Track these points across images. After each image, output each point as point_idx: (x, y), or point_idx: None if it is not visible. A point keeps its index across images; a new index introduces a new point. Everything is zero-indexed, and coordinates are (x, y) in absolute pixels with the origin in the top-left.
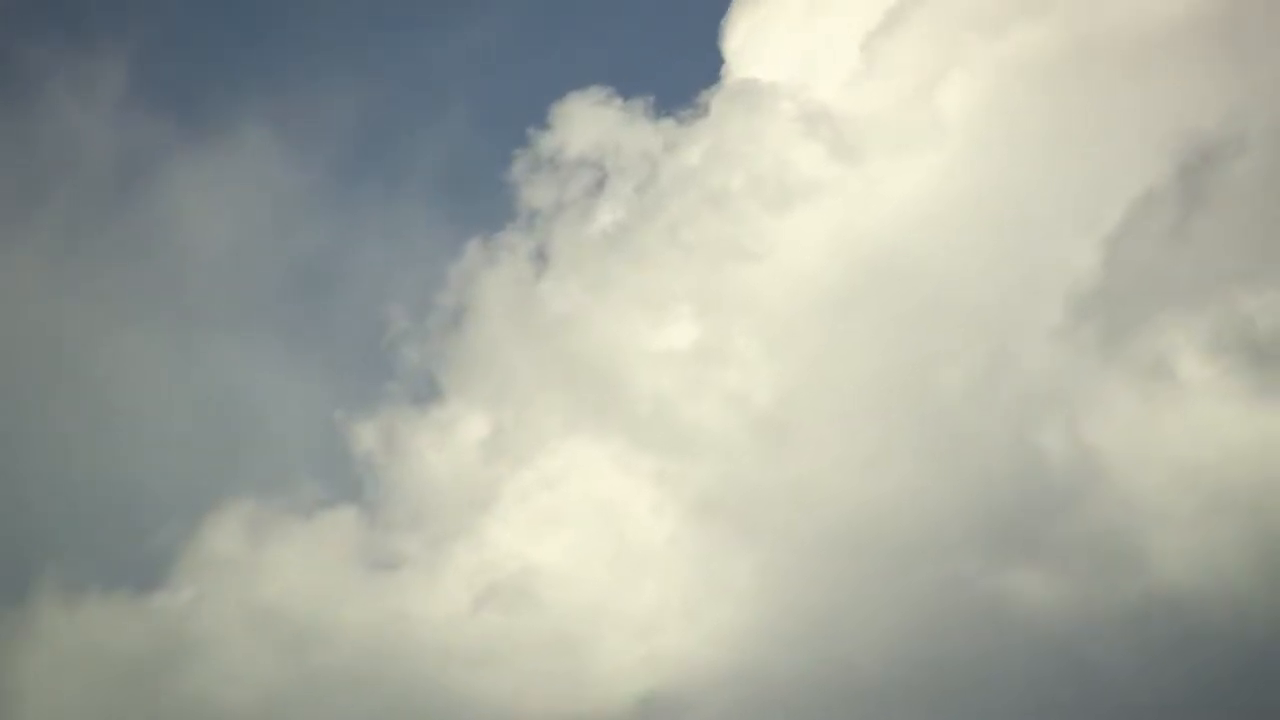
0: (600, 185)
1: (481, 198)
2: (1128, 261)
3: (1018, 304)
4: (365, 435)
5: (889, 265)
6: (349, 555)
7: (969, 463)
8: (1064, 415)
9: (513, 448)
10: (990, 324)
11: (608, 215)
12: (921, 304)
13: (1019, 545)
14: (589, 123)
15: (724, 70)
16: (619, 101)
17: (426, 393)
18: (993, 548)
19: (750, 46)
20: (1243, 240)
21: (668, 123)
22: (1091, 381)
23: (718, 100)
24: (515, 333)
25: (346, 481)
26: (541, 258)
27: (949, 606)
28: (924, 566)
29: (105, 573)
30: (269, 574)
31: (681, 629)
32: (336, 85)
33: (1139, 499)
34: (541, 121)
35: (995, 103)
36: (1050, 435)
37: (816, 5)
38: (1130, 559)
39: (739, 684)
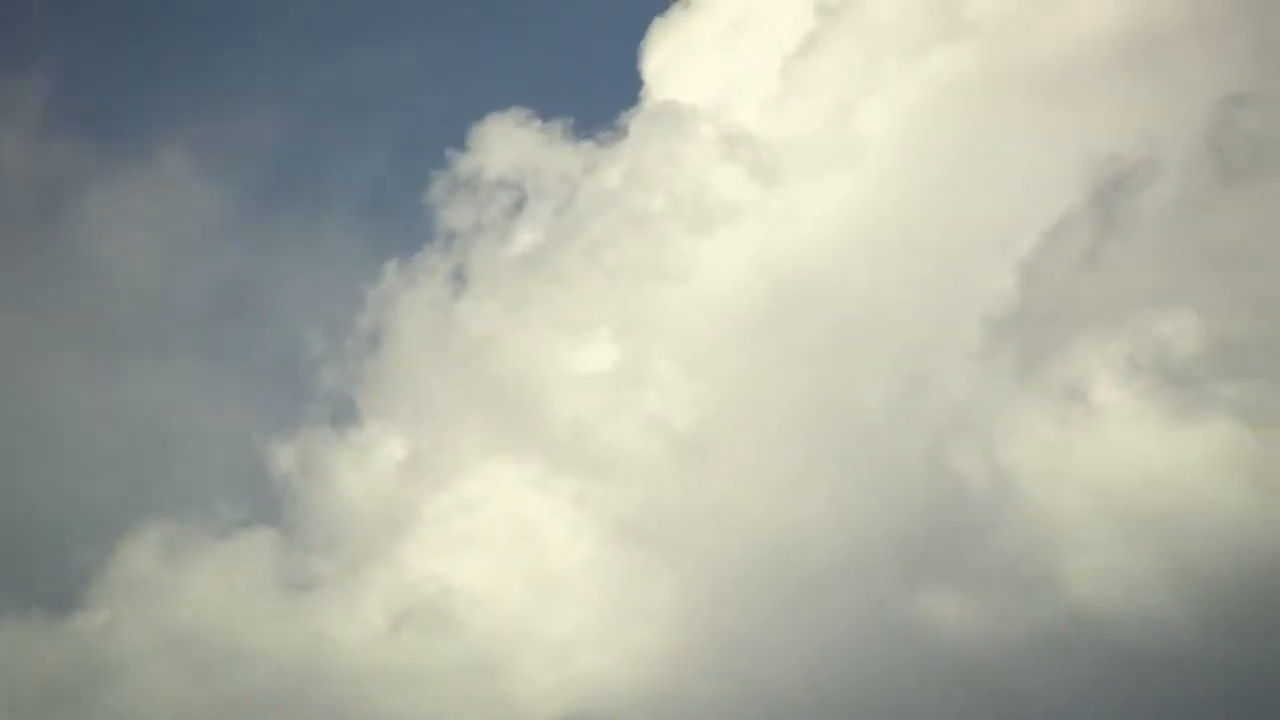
0: (519, 207)
1: (400, 219)
2: (1043, 285)
3: (935, 327)
4: (283, 457)
5: (808, 287)
6: (266, 577)
7: (887, 485)
8: (981, 438)
9: (431, 470)
10: (908, 347)
11: (527, 237)
12: (840, 326)
13: (937, 568)
14: (508, 144)
15: (643, 92)
16: (538, 123)
17: (344, 414)
18: (911, 570)
19: (670, 68)
20: (1157, 264)
21: (587, 144)
22: (1008, 405)
23: (637, 122)
24: (433, 355)
25: (264, 503)
26: (460, 279)
27: (867, 628)
28: (843, 589)
29: (21, 594)
30: (186, 596)
31: (600, 651)
32: (255, 108)
33: (1055, 521)
34: (460, 143)
35: (914, 126)
36: (967, 458)
37: (736, 27)
38: (1047, 581)
39: (658, 706)
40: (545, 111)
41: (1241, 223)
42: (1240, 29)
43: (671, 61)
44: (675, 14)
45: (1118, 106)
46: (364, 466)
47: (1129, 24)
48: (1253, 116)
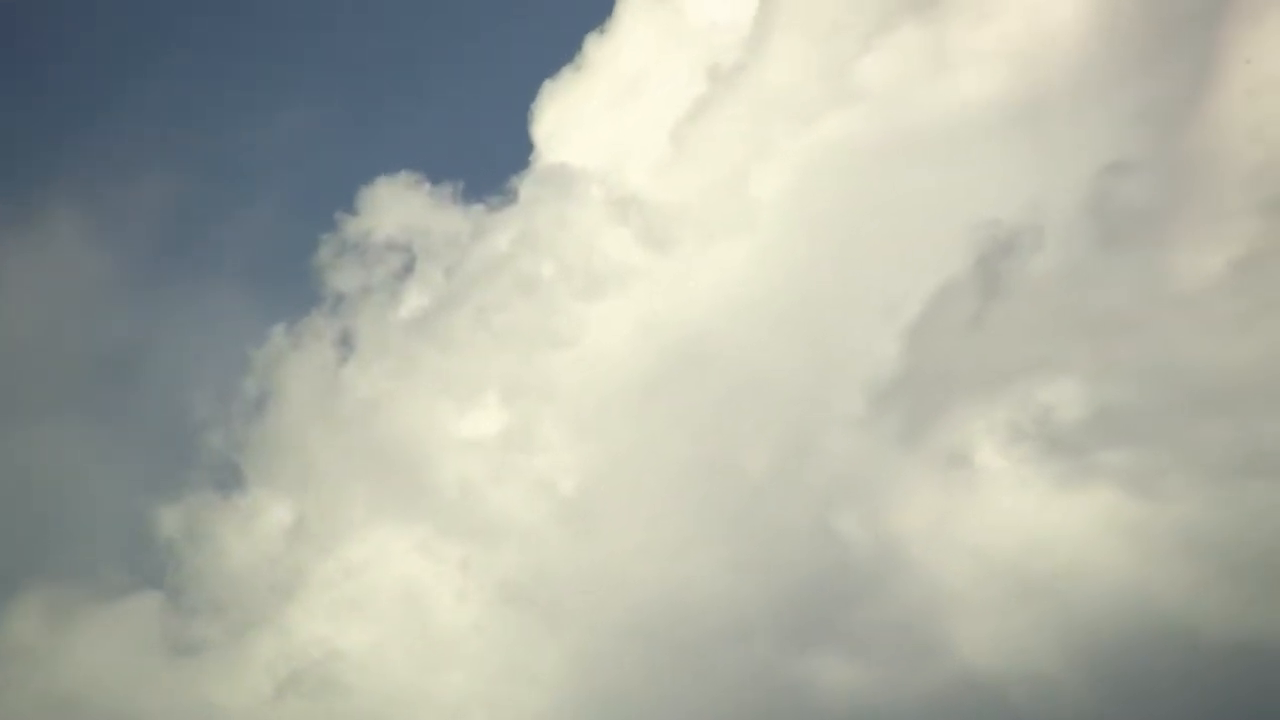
0: (408, 270)
1: (287, 283)
2: (927, 351)
3: (821, 392)
4: (169, 521)
5: (696, 352)
6: (151, 642)
7: (773, 549)
8: (867, 503)
9: (317, 534)
10: (794, 412)
11: (415, 301)
12: (727, 391)
13: (823, 631)
14: (397, 207)
15: (534, 156)
16: (428, 186)
17: (230, 479)
18: (797, 634)
19: (560, 131)
20: (1040, 331)
21: (477, 208)
22: (893, 470)
23: (527, 186)
24: (320, 419)
25: (149, 567)
26: (347, 343)
27: (753, 692)
28: (729, 652)
29: None
30: (70, 660)
31: (487, 715)
32: (145, 170)
33: (942, 586)
34: (349, 206)
35: (803, 191)
36: (853, 523)
37: (627, 91)
38: (933, 644)
39: None
40: (435, 175)
41: (1122, 290)
42: (1121, 97)
43: (562, 125)
44: (566, 76)
45: (1002, 172)
46: (250, 531)
47: (1015, 91)
48: (1133, 184)
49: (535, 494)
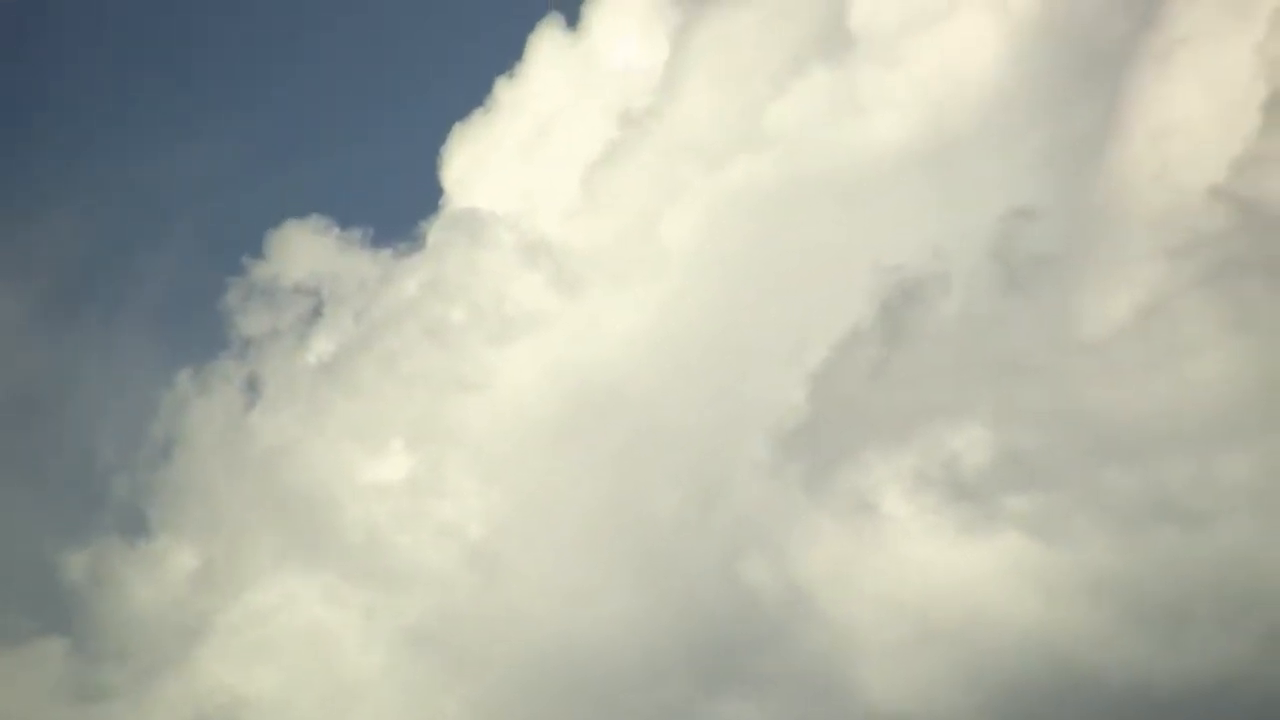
0: (316, 315)
1: (195, 327)
2: (833, 396)
3: (728, 438)
4: (75, 566)
5: (605, 397)
6: (57, 688)
7: (680, 594)
8: (773, 548)
9: (223, 580)
10: (701, 457)
11: (323, 345)
12: (635, 437)
13: (730, 675)
14: (306, 251)
15: (443, 200)
16: (337, 231)
17: (136, 524)
18: (704, 678)
19: (470, 176)
20: (945, 377)
21: (386, 252)
22: (799, 516)
23: (437, 230)
24: (226, 463)
25: (54, 612)
26: (254, 387)
27: None
28: (638, 696)
29: None
30: None
31: None
32: (50, 212)
33: (848, 629)
34: (257, 250)
35: (713, 237)
36: (759, 568)
37: (537, 135)
38: (840, 688)
39: None
40: (344, 219)
41: (1028, 335)
42: (1028, 143)
43: (472, 169)
44: (476, 119)
45: (910, 218)
46: (156, 576)
47: (924, 136)
48: (1038, 229)
49: (442, 539)
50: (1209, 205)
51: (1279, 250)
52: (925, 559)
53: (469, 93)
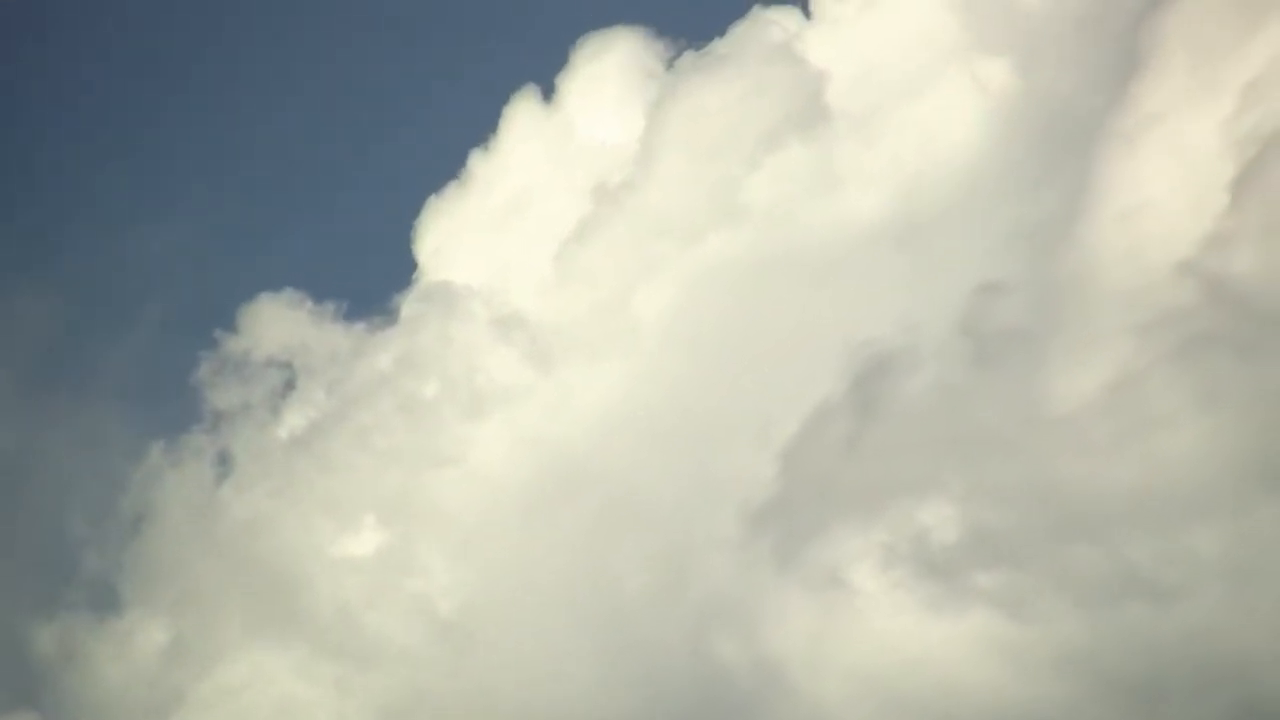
0: (289, 388)
1: (166, 400)
2: (803, 472)
3: (699, 512)
4: (45, 640)
5: (577, 472)
6: None
7: (651, 669)
8: (743, 623)
9: (194, 655)
10: (672, 532)
11: (295, 419)
12: (606, 511)
13: None
14: (279, 325)
15: (417, 273)
16: (310, 304)
17: (107, 598)
18: None
19: (444, 250)
20: (914, 452)
21: (359, 326)
22: (769, 591)
23: (410, 304)
24: (197, 538)
25: (25, 687)
26: (226, 462)
27: None
28: None
29: None
30: None
31: None
32: (23, 285)
33: (817, 705)
34: (230, 324)
35: (686, 312)
36: (729, 644)
37: (511, 209)
38: None
39: None
40: (318, 292)
41: (997, 411)
42: (1001, 219)
43: (446, 242)
44: (451, 193)
45: (882, 293)
46: (126, 651)
47: (898, 211)
48: (1008, 305)
49: (413, 614)
50: (1177, 282)
51: (1247, 327)
52: (895, 634)
53: (443, 165)
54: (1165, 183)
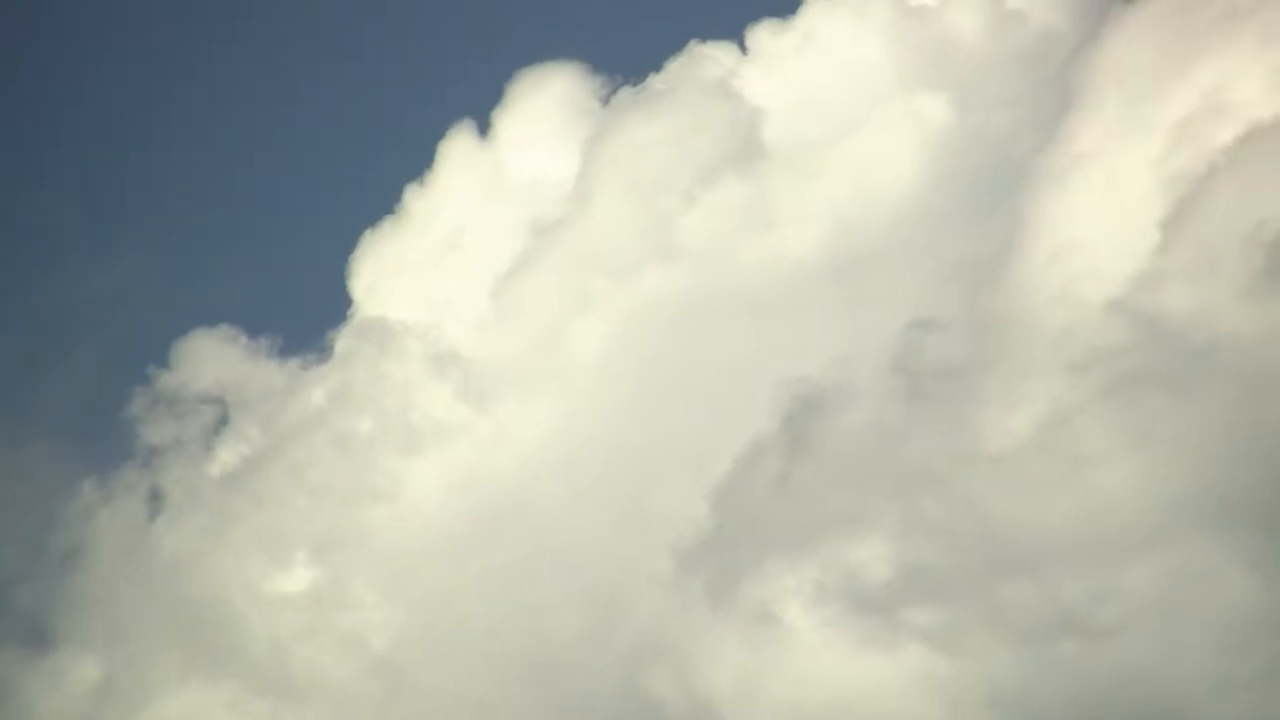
0: (222, 424)
1: (99, 436)
2: (735, 509)
3: (632, 550)
4: None
5: (511, 509)
6: None
7: (583, 706)
8: (676, 661)
9: (126, 692)
10: (605, 570)
11: (229, 455)
12: (539, 549)
13: None
14: (213, 361)
15: (352, 310)
16: (244, 340)
17: (38, 635)
18: None
19: (379, 285)
20: (847, 489)
21: (294, 362)
22: (701, 629)
23: (345, 340)
24: (129, 574)
25: None
26: (158, 498)
27: None
28: None
29: None
30: None
31: None
32: None
33: None
34: (163, 359)
35: (621, 348)
36: (662, 681)
37: (447, 244)
38: None
39: None
40: (252, 328)
41: (929, 448)
42: (935, 258)
43: (381, 277)
44: (386, 228)
45: (816, 330)
46: (58, 688)
47: (831, 249)
48: (940, 342)
49: (346, 650)
50: (1109, 320)
51: (1178, 365)
52: (828, 671)
53: (379, 201)
54: (1097, 221)
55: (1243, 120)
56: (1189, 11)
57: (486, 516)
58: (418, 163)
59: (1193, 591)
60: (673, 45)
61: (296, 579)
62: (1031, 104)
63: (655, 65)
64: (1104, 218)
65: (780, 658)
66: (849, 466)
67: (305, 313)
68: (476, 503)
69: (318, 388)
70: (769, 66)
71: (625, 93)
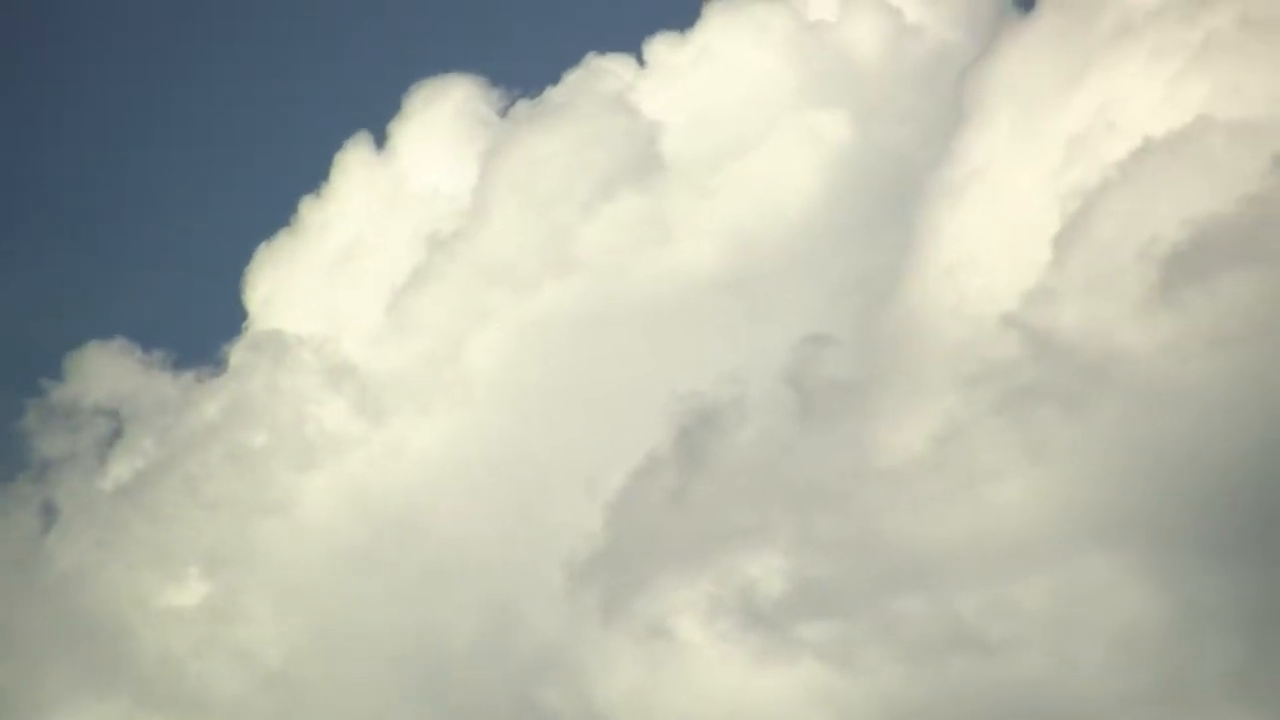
0: (116, 437)
1: None
2: (629, 523)
3: (525, 564)
4: None
5: (405, 523)
6: None
7: None
8: (569, 675)
9: (14, 706)
10: (499, 585)
11: (122, 468)
12: (433, 563)
13: None
14: (106, 374)
15: (247, 323)
16: (139, 353)
17: None
18: None
19: (274, 298)
20: (741, 504)
21: (188, 375)
22: (595, 643)
23: (240, 353)
24: (20, 588)
25: None
26: (50, 511)
27: None
28: None
29: None
30: None
31: None
32: None
33: None
34: (56, 372)
35: (517, 361)
36: (555, 695)
37: (343, 257)
38: None
39: None
40: (147, 341)
41: (823, 463)
42: (828, 271)
43: (276, 291)
44: (281, 240)
45: (711, 345)
46: None
47: (728, 264)
48: (834, 357)
49: (239, 665)
50: (1002, 335)
51: (1071, 380)
52: (722, 686)
53: (274, 212)
54: (990, 236)
55: (1136, 135)
56: (1083, 26)
57: (381, 530)
58: (313, 174)
59: (1086, 606)
60: (570, 58)
61: (190, 593)
62: (927, 119)
63: (553, 78)
64: (998, 233)
65: (674, 672)
66: (743, 481)
67: (200, 325)
68: (371, 516)
69: (212, 401)
70: (667, 80)
71: (523, 105)
